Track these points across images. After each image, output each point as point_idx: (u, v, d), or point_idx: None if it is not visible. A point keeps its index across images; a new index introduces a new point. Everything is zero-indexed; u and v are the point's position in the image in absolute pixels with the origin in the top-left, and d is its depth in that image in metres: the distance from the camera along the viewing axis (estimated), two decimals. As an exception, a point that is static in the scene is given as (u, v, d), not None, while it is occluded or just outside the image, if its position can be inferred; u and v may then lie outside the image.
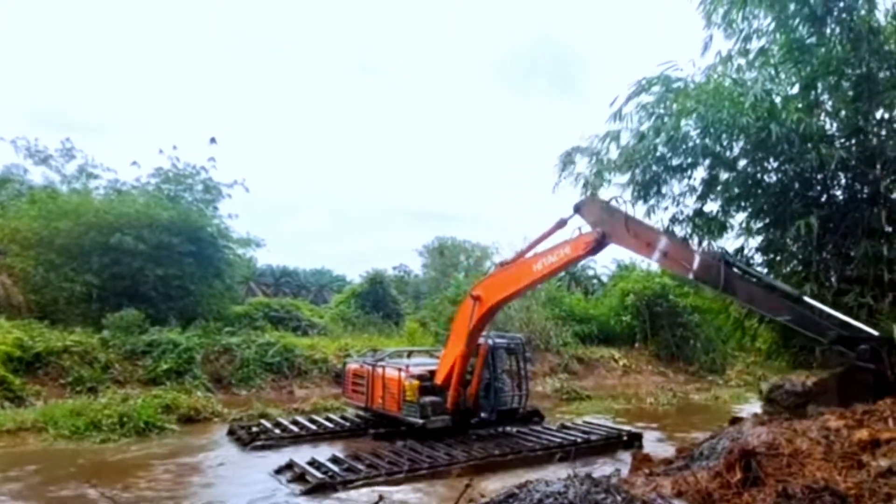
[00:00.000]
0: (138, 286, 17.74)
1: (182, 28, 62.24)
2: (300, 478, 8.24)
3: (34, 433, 10.66)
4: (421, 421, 10.14)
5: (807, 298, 6.81)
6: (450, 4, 68.63)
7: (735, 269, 7.21)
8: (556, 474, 6.19)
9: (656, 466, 7.17)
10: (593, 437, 10.58)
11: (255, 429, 11.19)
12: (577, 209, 8.71)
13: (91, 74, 53.03)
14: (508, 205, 59.05)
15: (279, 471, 8.65)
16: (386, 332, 23.09)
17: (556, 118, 67.42)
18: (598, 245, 8.42)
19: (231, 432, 11.22)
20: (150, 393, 13.30)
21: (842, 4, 7.81)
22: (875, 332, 6.47)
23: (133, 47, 57.28)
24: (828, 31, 8.07)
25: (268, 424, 11.48)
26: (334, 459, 8.89)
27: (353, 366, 12.37)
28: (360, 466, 8.57)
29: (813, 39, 8.18)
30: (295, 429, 11.29)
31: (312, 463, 8.62)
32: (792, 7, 8.07)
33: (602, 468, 8.35)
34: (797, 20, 8.17)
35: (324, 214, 61.20)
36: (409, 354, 13.22)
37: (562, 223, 9.02)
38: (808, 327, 6.72)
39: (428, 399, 10.30)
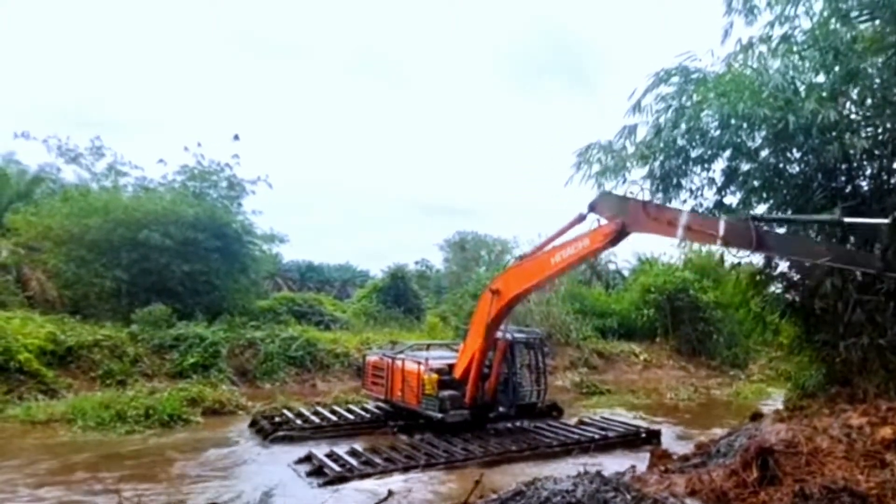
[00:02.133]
0: (166, 281, 18.17)
1: (200, 27, 63.19)
2: (318, 470, 8.38)
3: (64, 425, 11.03)
4: (439, 415, 10.19)
5: (847, 219, 6.54)
6: (461, 3, 68.40)
7: (764, 223, 6.95)
8: (573, 469, 6.20)
9: (673, 463, 7.13)
10: (611, 434, 10.51)
11: (277, 419, 11.41)
12: (592, 207, 8.57)
13: (114, 73, 54.20)
14: (526, 199, 58.72)
15: (298, 462, 8.82)
16: (407, 327, 23.22)
17: (570, 114, 66.74)
18: (618, 236, 8.27)
19: (253, 424, 11.45)
20: (177, 386, 13.64)
21: None
22: None
23: (153, 46, 58.37)
24: (880, 4, 7.68)
25: (290, 415, 11.70)
26: (352, 452, 9.03)
27: (372, 358, 12.49)
28: (378, 459, 8.67)
29: (863, 12, 7.81)
30: (316, 420, 11.49)
31: (331, 455, 8.76)
32: None
33: (619, 464, 8.29)
34: None
35: (342, 210, 61.73)
36: (429, 348, 13.29)
37: (581, 218, 8.86)
38: (853, 262, 6.57)
39: (447, 393, 10.35)
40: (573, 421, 11.66)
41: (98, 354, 14.53)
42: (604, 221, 8.46)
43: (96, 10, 59.91)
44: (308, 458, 8.83)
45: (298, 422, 11.28)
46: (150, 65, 54.91)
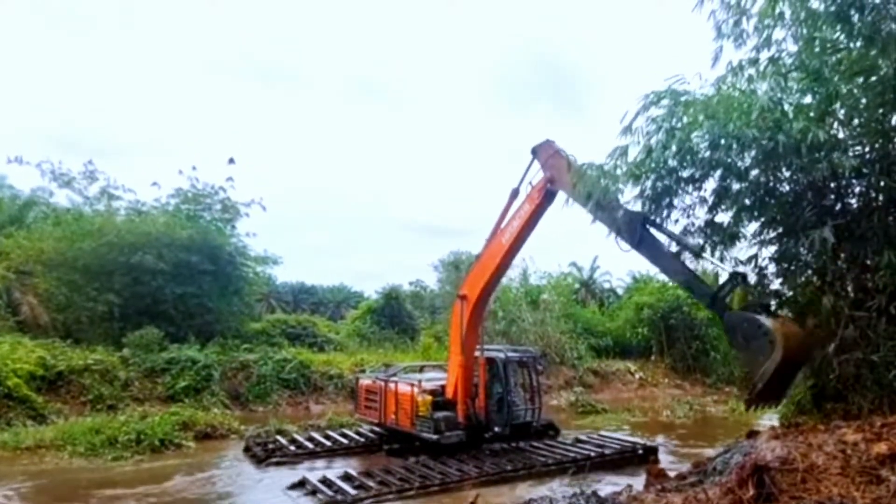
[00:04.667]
0: (158, 304, 18.08)
1: (200, 52, 64.10)
2: (312, 495, 8.24)
3: (53, 451, 10.82)
4: (434, 436, 10.06)
5: (706, 255, 7.69)
6: (460, 32, 70.15)
7: (651, 230, 7.85)
8: (569, 488, 6.13)
9: (670, 482, 7.06)
10: (607, 451, 10.41)
11: (270, 445, 11.24)
12: (534, 152, 9.21)
13: (111, 97, 54.93)
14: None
15: (292, 487, 8.68)
16: (401, 348, 23.11)
17: (561, 135, 68.21)
18: (550, 192, 8.91)
19: (247, 449, 11.28)
20: (169, 410, 13.44)
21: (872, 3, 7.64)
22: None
23: (151, 71, 59.06)
24: (854, 30, 7.89)
25: (283, 441, 11.53)
26: (346, 476, 8.89)
27: (365, 381, 12.34)
28: (371, 483, 8.54)
29: (840, 37, 8.03)
30: (310, 445, 11.32)
31: (324, 480, 8.63)
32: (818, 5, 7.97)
33: (616, 483, 8.21)
34: (821, 20, 8.02)
35: (336, 232, 62.21)
36: (422, 369, 13.18)
37: (514, 193, 9.56)
38: (693, 290, 7.74)
39: (441, 414, 10.23)
40: (569, 440, 11.55)
41: (89, 379, 14.39)
42: (539, 176, 9.19)
43: (94, 36, 60.57)
44: (301, 484, 8.70)
45: (292, 448, 11.12)
46: (148, 89, 55.51)
